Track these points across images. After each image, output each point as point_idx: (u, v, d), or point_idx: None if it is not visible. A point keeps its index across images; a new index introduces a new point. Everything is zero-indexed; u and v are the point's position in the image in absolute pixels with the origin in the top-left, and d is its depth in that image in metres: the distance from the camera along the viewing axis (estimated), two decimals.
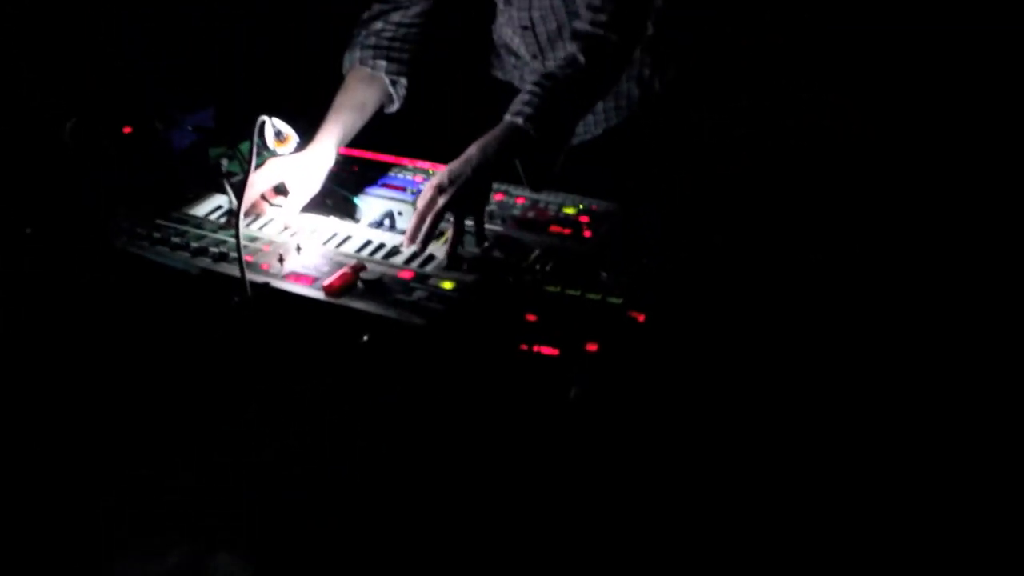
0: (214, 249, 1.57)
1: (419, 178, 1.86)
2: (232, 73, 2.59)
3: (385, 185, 1.85)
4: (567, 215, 1.69)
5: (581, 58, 1.69)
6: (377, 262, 1.56)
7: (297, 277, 1.51)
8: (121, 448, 1.51)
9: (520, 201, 1.77)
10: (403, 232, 1.63)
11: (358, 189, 1.83)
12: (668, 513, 1.41)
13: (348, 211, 1.79)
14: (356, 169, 1.90)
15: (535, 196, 1.77)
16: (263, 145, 1.68)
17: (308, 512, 1.41)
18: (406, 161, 1.93)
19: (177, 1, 2.51)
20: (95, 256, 1.62)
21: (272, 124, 1.67)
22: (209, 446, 1.49)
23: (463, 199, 1.58)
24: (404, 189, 1.82)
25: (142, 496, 1.45)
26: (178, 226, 1.67)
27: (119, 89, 2.22)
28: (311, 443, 1.46)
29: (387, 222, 1.77)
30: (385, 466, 1.42)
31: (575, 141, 2.05)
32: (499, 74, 2.18)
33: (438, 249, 1.59)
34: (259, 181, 1.70)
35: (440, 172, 1.60)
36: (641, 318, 1.38)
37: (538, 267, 1.53)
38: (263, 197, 1.75)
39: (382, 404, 1.43)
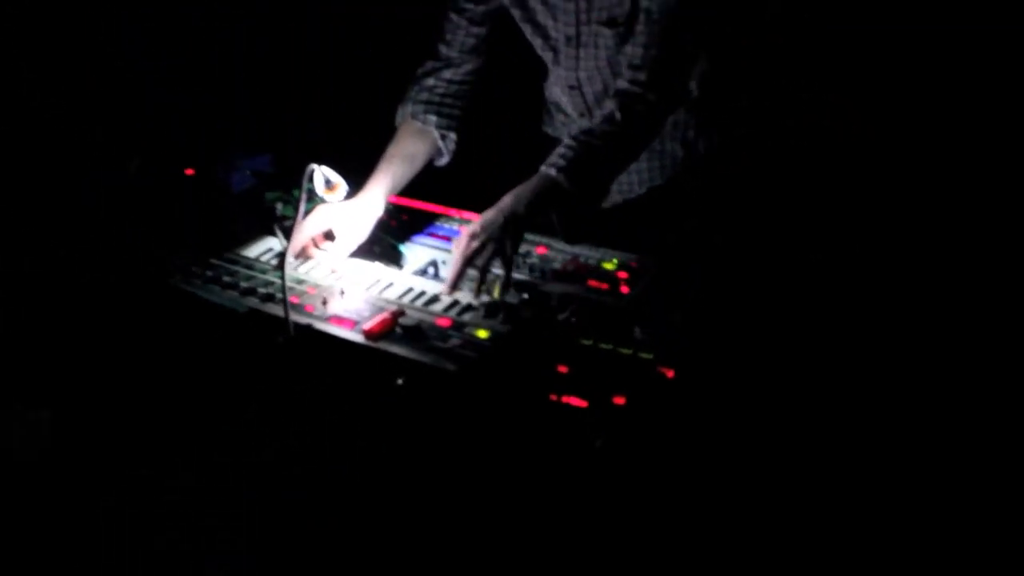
0: (262, 290, 1.62)
1: (465, 228, 1.88)
2: (232, 73, 2.60)
3: (432, 235, 1.87)
4: (605, 270, 1.71)
5: (618, 115, 1.73)
6: (417, 309, 1.60)
7: (339, 320, 1.56)
8: (121, 448, 1.51)
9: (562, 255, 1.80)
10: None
11: (405, 237, 1.86)
12: (689, 566, 1.41)
13: (394, 258, 1.81)
14: (405, 218, 1.93)
15: (575, 250, 1.78)
16: (313, 192, 1.71)
17: (308, 512, 1.41)
18: (453, 212, 1.96)
19: (177, 1, 2.52)
20: (149, 291, 1.66)
21: (321, 172, 1.69)
22: (209, 446, 1.49)
23: (492, 246, 1.62)
24: (449, 239, 1.84)
25: (142, 496, 1.45)
26: (230, 266, 1.72)
27: (183, 131, 2.28)
28: (311, 443, 1.46)
29: (431, 270, 1.78)
30: (385, 467, 1.42)
31: (620, 200, 2.10)
32: (549, 130, 2.22)
33: (476, 298, 1.62)
34: (308, 226, 1.75)
35: (475, 221, 1.64)
36: (670, 374, 1.40)
37: (573, 320, 1.55)
38: (313, 242, 1.78)
39: (382, 404, 1.44)
